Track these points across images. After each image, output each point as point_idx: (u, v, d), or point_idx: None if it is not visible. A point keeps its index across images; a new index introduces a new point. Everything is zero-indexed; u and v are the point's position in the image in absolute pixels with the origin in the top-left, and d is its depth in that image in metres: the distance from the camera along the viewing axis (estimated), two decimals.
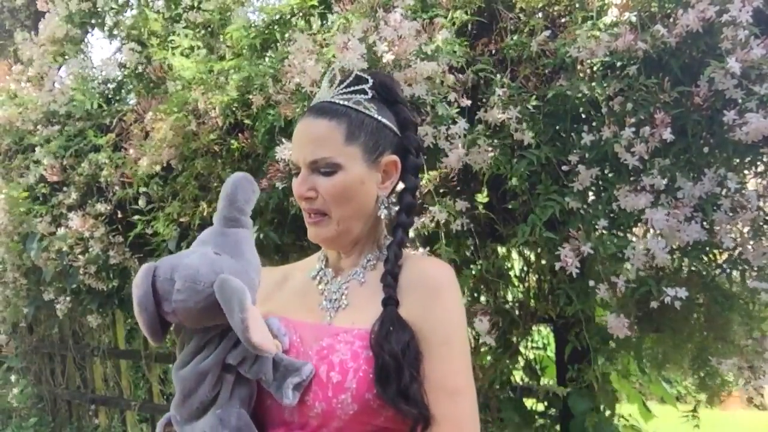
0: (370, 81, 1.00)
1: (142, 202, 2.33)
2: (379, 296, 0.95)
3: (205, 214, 2.14)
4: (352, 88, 1.00)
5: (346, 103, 0.98)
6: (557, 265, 1.47)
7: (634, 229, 1.56)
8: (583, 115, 1.59)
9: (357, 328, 0.93)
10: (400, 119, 1.03)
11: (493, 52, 1.67)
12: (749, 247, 1.42)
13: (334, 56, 1.55)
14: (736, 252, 1.46)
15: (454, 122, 1.51)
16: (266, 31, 2.12)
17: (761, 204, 1.45)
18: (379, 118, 0.99)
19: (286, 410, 0.91)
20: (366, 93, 0.99)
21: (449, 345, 0.92)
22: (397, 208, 1.04)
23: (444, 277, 0.97)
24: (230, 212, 0.94)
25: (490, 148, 1.53)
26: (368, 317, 0.93)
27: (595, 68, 1.52)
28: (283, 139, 1.67)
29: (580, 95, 1.48)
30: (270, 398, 0.93)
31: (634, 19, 1.47)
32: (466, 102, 1.53)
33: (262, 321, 0.86)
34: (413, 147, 1.04)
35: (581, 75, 1.52)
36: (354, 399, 0.88)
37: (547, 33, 1.57)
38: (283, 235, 2.04)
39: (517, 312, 1.89)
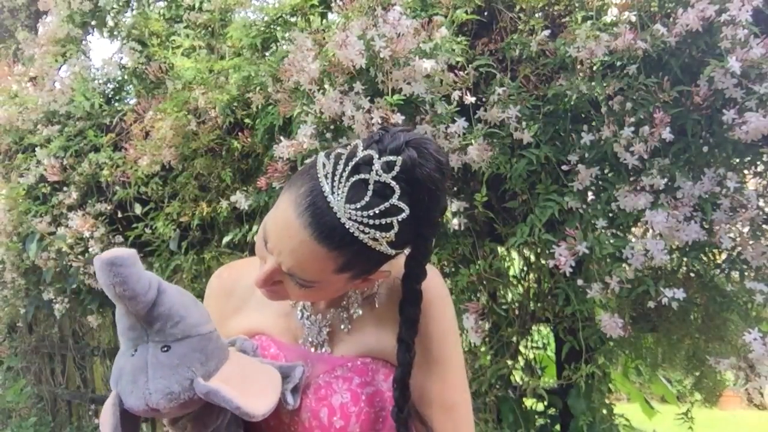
0: (406, 212, 0.76)
1: (138, 209, 2.33)
2: (367, 329, 0.92)
3: (204, 214, 2.14)
4: (380, 221, 0.75)
5: (361, 236, 0.75)
6: (550, 263, 1.47)
7: (633, 229, 1.56)
8: (583, 115, 1.59)
9: (350, 359, 0.90)
10: (421, 222, 0.80)
11: (493, 51, 1.68)
12: (749, 247, 1.42)
13: (333, 54, 1.55)
14: (735, 252, 1.46)
15: (453, 121, 1.51)
16: (266, 31, 2.12)
17: (761, 203, 1.45)
18: (393, 253, 0.79)
19: None
20: (392, 228, 0.76)
21: (444, 362, 0.91)
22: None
23: (436, 291, 0.91)
24: (138, 304, 0.76)
25: (489, 147, 1.54)
26: (357, 350, 0.91)
27: (594, 68, 1.52)
28: (282, 138, 1.67)
29: (579, 95, 1.48)
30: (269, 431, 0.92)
31: (633, 18, 1.47)
32: (470, 99, 1.53)
33: (252, 382, 0.83)
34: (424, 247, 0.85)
35: (581, 74, 1.52)
36: None
37: (547, 32, 1.58)
38: None
39: (516, 312, 1.89)
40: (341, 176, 0.75)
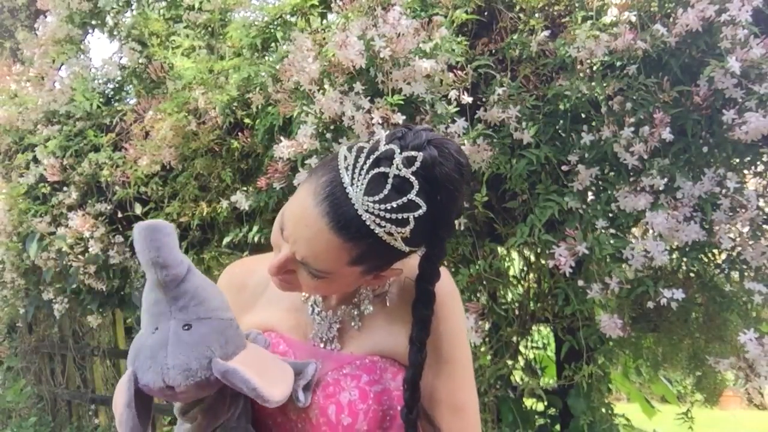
0: (423, 209, 0.76)
1: (138, 209, 2.33)
2: (377, 327, 0.92)
3: (204, 214, 2.14)
4: (396, 216, 0.75)
5: (377, 229, 0.75)
6: (550, 263, 1.47)
7: (633, 229, 1.56)
8: (583, 115, 1.59)
9: (359, 357, 0.90)
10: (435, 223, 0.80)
11: (493, 51, 1.68)
12: (748, 247, 1.42)
13: (333, 54, 1.55)
14: (735, 252, 1.46)
15: (453, 121, 1.51)
16: (266, 31, 2.12)
17: (761, 203, 1.45)
18: (407, 250, 0.80)
19: None
20: (408, 224, 0.76)
21: (453, 362, 0.91)
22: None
23: (446, 290, 0.91)
24: (168, 275, 0.79)
25: (489, 147, 1.54)
26: (367, 348, 0.91)
27: (594, 68, 1.52)
28: (282, 138, 1.67)
29: (579, 95, 1.48)
30: (276, 428, 0.91)
31: (633, 18, 1.47)
32: (468, 99, 1.53)
33: (268, 369, 0.84)
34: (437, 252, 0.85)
35: (581, 75, 1.52)
36: None
37: (547, 33, 1.58)
38: None
39: (516, 312, 1.89)
40: (362, 168, 0.75)
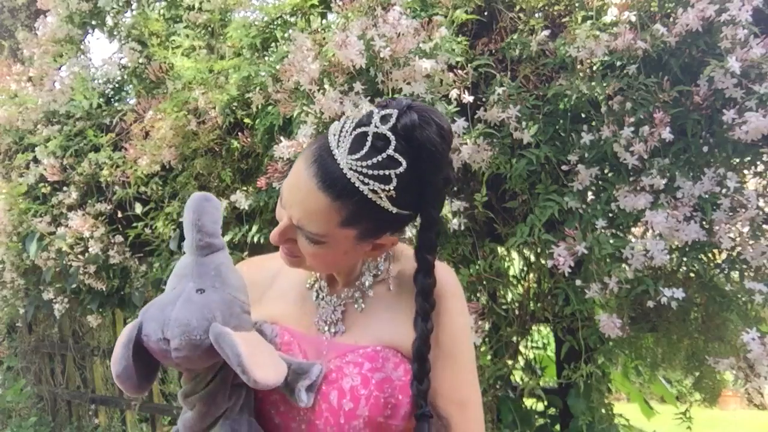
0: (403, 165, 0.80)
1: (138, 208, 2.34)
2: (381, 315, 0.93)
3: None
4: (377, 172, 0.79)
5: (361, 186, 0.79)
6: (550, 263, 1.47)
7: (633, 229, 1.56)
8: (583, 115, 1.59)
9: (362, 347, 0.92)
10: (424, 188, 0.84)
11: (493, 51, 1.68)
12: (748, 247, 1.42)
13: (333, 54, 1.55)
14: (735, 252, 1.46)
15: (453, 121, 1.51)
16: (266, 31, 2.12)
17: (761, 203, 1.45)
18: (395, 210, 0.83)
19: None
20: (391, 181, 0.80)
21: (454, 357, 0.92)
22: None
23: (449, 285, 0.93)
24: (201, 240, 0.87)
25: (489, 147, 1.54)
26: (370, 336, 0.93)
27: (594, 68, 1.52)
28: (282, 138, 1.67)
29: (579, 95, 1.48)
30: (279, 416, 0.92)
31: (633, 18, 1.47)
32: (468, 98, 1.53)
33: (262, 353, 0.85)
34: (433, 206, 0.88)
35: (581, 74, 1.52)
36: (366, 424, 0.88)
37: (547, 32, 1.58)
38: None
39: (516, 312, 1.89)
40: (346, 132, 0.82)
